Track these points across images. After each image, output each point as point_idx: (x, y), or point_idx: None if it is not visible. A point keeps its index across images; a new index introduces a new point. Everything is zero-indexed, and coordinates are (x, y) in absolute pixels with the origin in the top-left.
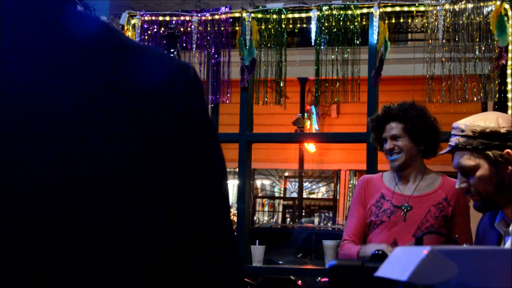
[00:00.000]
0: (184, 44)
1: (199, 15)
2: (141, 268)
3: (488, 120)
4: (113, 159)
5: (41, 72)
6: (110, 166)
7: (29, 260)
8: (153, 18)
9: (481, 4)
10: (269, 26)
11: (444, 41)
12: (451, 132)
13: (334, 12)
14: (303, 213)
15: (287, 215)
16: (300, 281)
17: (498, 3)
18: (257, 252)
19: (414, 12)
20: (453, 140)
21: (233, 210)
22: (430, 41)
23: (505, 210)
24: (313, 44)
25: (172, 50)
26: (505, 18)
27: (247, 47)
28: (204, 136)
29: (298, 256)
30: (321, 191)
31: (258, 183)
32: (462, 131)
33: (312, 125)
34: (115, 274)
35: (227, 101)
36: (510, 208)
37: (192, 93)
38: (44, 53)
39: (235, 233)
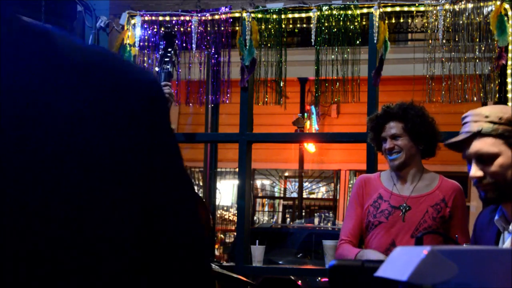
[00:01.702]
0: (184, 44)
1: (199, 15)
2: (117, 269)
3: (510, 110)
4: (89, 165)
5: (33, 85)
6: (86, 171)
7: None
8: (153, 18)
9: (481, 4)
10: (269, 26)
11: (444, 41)
12: (464, 121)
13: (334, 12)
14: (303, 213)
15: (287, 215)
16: (300, 281)
17: (498, 3)
18: (257, 252)
19: (414, 12)
20: (475, 126)
21: (233, 210)
22: (430, 41)
23: (505, 206)
24: (313, 44)
25: (169, 49)
26: (505, 18)
27: (247, 47)
28: (167, 145)
29: (298, 256)
30: (321, 191)
31: (258, 183)
32: (487, 117)
33: (312, 125)
34: (94, 274)
35: (227, 101)
36: (511, 205)
37: (158, 107)
38: (39, 66)
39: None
